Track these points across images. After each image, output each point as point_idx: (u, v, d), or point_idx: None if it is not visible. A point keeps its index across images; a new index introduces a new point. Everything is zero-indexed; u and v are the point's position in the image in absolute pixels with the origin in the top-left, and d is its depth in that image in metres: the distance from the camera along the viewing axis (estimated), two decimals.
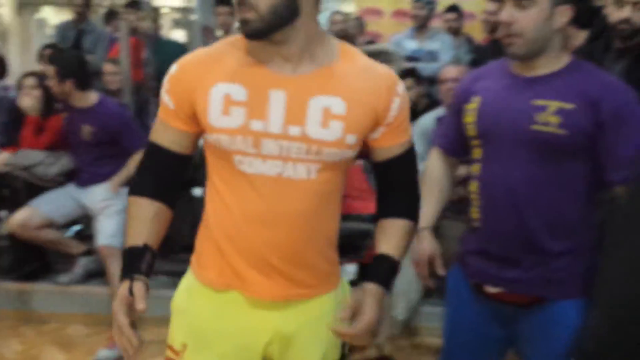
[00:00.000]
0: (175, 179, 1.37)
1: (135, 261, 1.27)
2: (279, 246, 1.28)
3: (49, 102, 3.38)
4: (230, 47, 1.30)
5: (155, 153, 1.34)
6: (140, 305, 1.21)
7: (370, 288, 1.29)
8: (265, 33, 1.22)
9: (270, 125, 1.25)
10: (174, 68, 1.31)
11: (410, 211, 1.39)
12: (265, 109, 1.25)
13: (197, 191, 3.42)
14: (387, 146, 1.34)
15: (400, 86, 1.33)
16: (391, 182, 1.39)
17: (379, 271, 1.32)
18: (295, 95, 1.26)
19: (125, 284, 1.24)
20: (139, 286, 1.23)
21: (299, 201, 1.27)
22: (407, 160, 1.37)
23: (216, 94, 1.26)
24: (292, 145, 1.25)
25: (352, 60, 1.31)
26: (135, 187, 1.36)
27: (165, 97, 1.31)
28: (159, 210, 1.33)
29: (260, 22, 1.20)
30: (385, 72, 1.33)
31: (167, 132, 1.32)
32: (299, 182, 1.27)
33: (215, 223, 1.31)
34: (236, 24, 1.37)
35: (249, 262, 1.29)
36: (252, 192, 1.26)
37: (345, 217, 1.61)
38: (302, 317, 1.34)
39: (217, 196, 1.31)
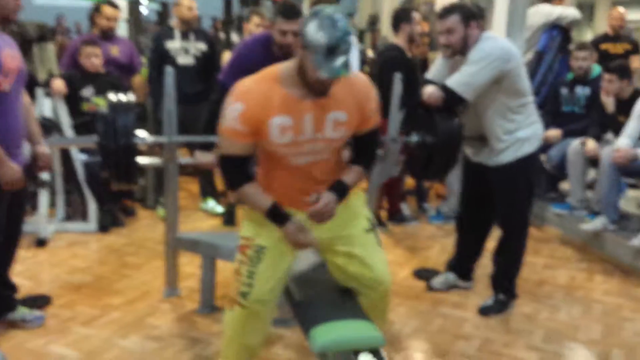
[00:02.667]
0: (248, 168, 2.17)
1: (281, 211, 2.12)
2: (308, 192, 2.16)
3: None
4: (273, 84, 2.03)
5: (236, 160, 2.12)
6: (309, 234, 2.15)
7: (329, 193, 2.15)
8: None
9: (306, 136, 2.07)
10: (240, 107, 2.01)
11: (366, 163, 2.28)
12: (303, 127, 2.06)
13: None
14: (366, 128, 2.19)
15: (373, 89, 2.17)
16: (361, 147, 2.25)
17: (338, 188, 2.17)
18: (317, 115, 2.06)
19: (290, 224, 2.11)
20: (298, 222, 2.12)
21: (320, 170, 2.18)
22: (373, 134, 2.24)
23: (274, 124, 2.03)
24: (318, 144, 2.10)
25: (344, 81, 2.04)
26: (238, 182, 2.15)
27: (238, 126, 2.03)
28: (256, 184, 2.16)
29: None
30: (363, 81, 2.16)
31: (239, 146, 2.08)
32: (321, 160, 2.16)
33: (267, 186, 2.17)
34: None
35: (291, 201, 2.18)
36: (295, 171, 2.16)
37: None
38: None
39: (269, 174, 2.21)
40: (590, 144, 4.38)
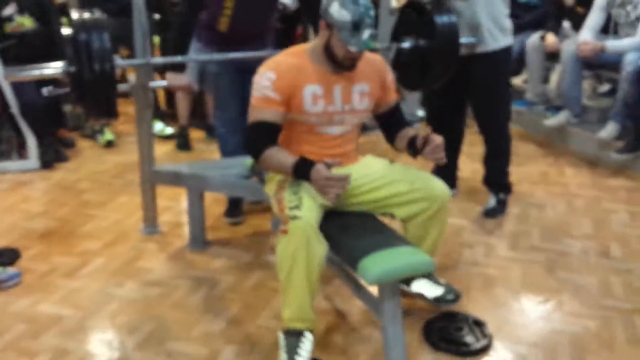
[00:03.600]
0: (277, 136, 2.14)
1: (309, 160, 2.01)
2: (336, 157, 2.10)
3: None
4: (302, 58, 2.13)
5: (265, 125, 2.08)
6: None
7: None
8: None
9: (336, 106, 2.16)
10: (273, 75, 2.07)
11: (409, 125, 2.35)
12: (333, 98, 2.14)
13: None
14: (388, 101, 2.31)
15: (387, 65, 2.32)
16: (392, 122, 2.33)
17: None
18: (345, 86, 2.16)
19: (319, 165, 1.96)
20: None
21: (348, 140, 2.26)
22: (398, 108, 2.34)
23: (307, 92, 2.11)
24: (346, 115, 2.19)
25: (364, 58, 2.15)
26: (263, 145, 2.08)
27: (271, 93, 2.06)
28: (281, 149, 2.12)
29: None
30: (378, 57, 2.31)
31: (270, 112, 2.07)
32: (346, 132, 2.24)
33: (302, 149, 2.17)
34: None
35: None
36: (322, 142, 2.21)
37: None
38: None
39: (294, 146, 2.18)
40: (550, 38, 4.35)
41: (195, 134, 4.58)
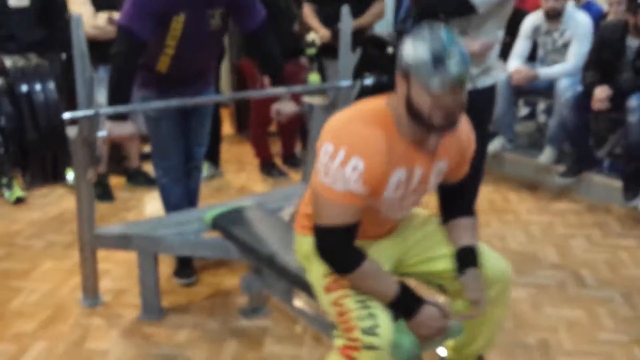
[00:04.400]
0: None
1: (413, 293, 1.65)
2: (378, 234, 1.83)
3: None
4: (390, 131, 1.59)
5: (348, 230, 1.61)
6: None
7: (473, 272, 1.74)
8: None
9: (410, 189, 1.70)
10: (361, 164, 1.53)
11: (471, 211, 1.88)
12: (412, 181, 1.68)
13: None
14: (458, 175, 1.82)
15: (472, 132, 1.80)
16: (458, 197, 1.86)
17: (472, 258, 1.76)
18: (426, 166, 1.68)
19: (429, 307, 1.64)
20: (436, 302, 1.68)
21: (401, 219, 1.85)
22: (465, 182, 1.84)
23: (393, 179, 1.63)
24: (416, 198, 1.76)
25: None
26: (355, 261, 1.62)
27: (359, 188, 1.56)
28: (374, 263, 1.66)
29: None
30: (464, 119, 1.73)
31: (355, 210, 1.60)
32: (407, 213, 1.85)
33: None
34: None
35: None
36: (383, 223, 1.81)
37: None
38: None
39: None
40: None
41: (115, 181, 4.15)
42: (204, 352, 2.35)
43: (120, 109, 2.34)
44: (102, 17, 3.35)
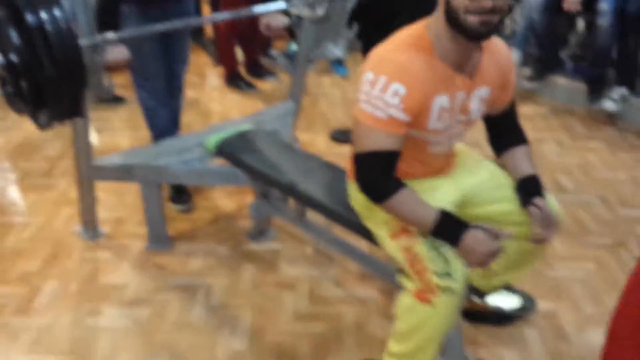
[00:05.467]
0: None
1: (456, 218, 1.62)
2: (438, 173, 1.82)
3: None
4: (429, 55, 1.56)
5: (388, 157, 1.60)
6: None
7: (540, 201, 1.72)
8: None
9: (455, 118, 1.66)
10: (402, 90, 1.52)
11: (524, 139, 1.87)
12: (455, 108, 1.64)
13: None
14: (504, 102, 1.79)
15: (511, 56, 1.76)
16: (509, 124, 1.85)
17: (537, 188, 1.76)
18: (466, 92, 1.64)
19: (475, 231, 1.58)
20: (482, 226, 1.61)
21: (445, 156, 1.81)
22: (514, 107, 1.84)
23: (435, 106, 1.59)
24: (462, 128, 1.72)
25: (488, 48, 1.65)
26: (393, 188, 1.60)
27: (400, 114, 1.54)
28: (413, 191, 1.63)
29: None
30: (502, 44, 1.73)
31: (396, 138, 1.58)
32: (450, 149, 1.81)
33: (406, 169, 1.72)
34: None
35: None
36: (433, 159, 1.78)
37: None
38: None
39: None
40: None
41: None
42: (224, 279, 2.38)
43: (124, 34, 2.19)
44: None
